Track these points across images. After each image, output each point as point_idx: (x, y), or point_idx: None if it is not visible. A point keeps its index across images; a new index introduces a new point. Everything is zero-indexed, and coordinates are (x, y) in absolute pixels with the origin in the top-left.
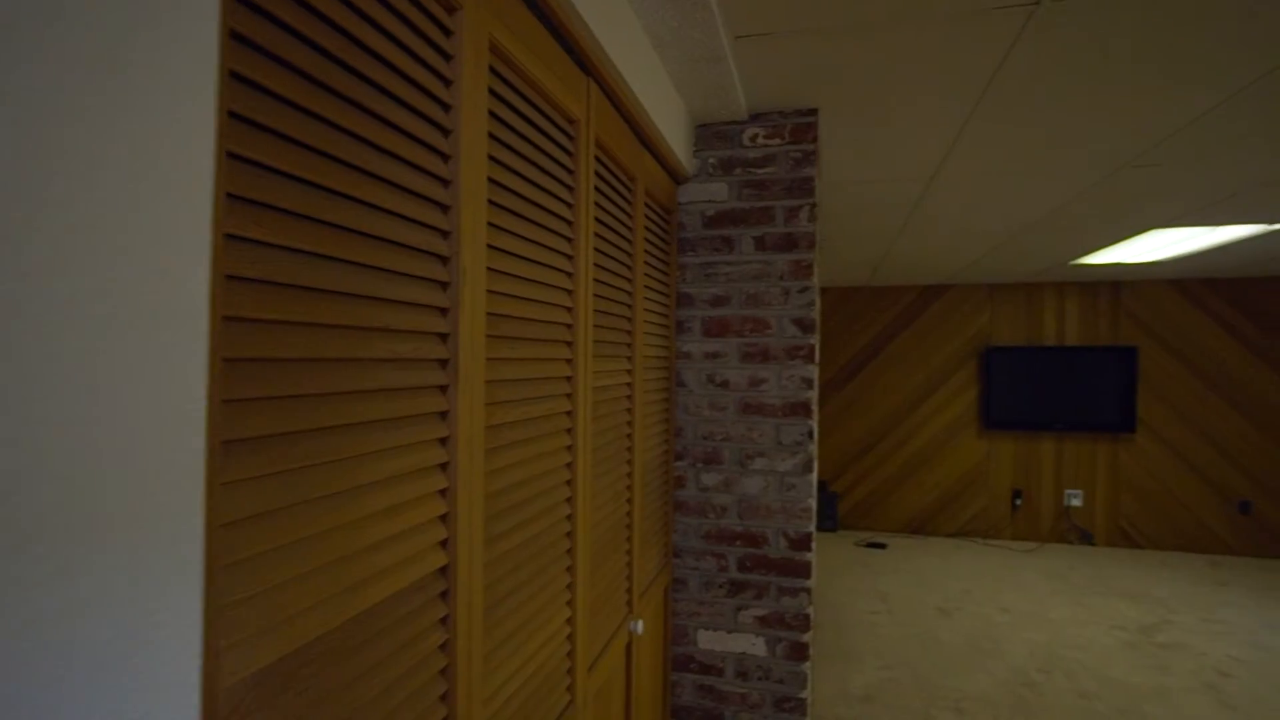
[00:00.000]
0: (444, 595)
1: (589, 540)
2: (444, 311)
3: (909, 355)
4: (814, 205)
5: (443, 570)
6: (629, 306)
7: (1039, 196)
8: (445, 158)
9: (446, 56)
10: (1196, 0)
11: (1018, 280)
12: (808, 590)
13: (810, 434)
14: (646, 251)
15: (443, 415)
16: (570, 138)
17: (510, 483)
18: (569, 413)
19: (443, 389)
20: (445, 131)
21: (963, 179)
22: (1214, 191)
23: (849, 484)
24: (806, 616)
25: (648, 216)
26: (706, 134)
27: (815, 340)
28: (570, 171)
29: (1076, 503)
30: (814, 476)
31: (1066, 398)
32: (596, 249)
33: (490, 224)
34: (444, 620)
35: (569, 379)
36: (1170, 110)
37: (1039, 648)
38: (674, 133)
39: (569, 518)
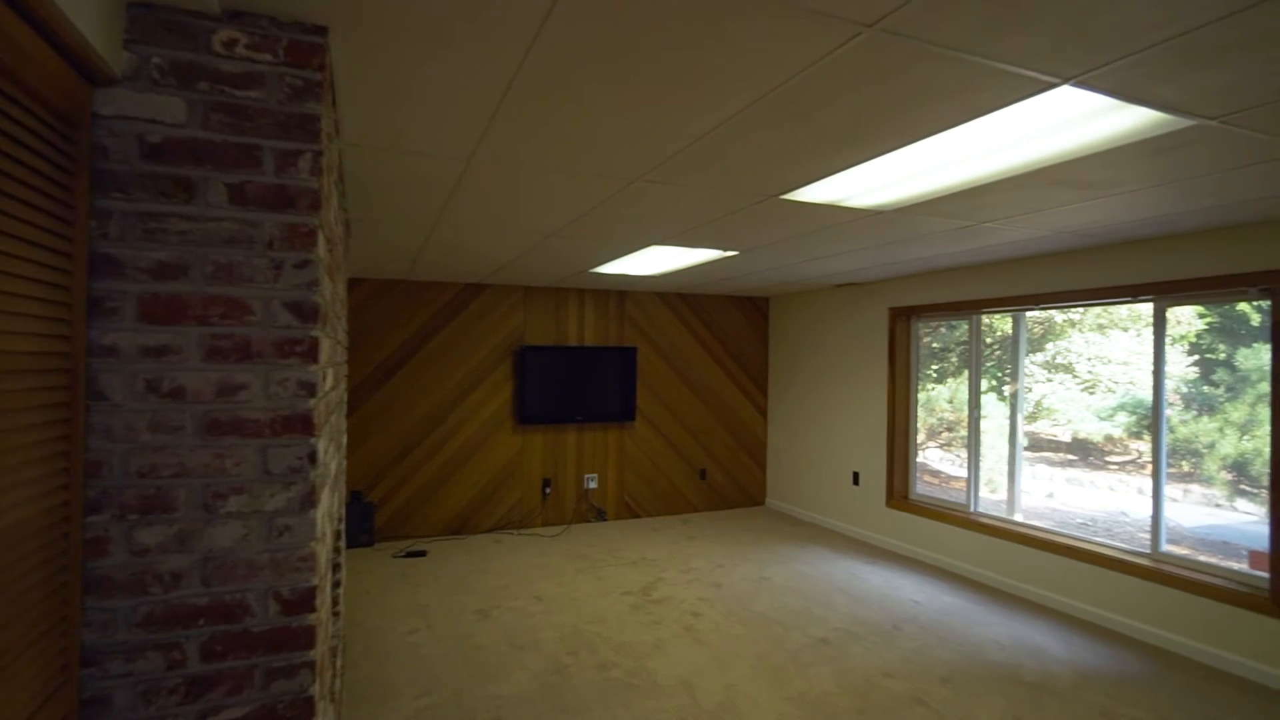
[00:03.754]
0: None
1: None
2: None
3: (449, 353)
4: (320, 153)
5: None
6: None
7: (570, 199)
8: None
9: None
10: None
11: (547, 284)
12: (311, 665)
13: (313, 456)
14: None
15: None
16: None
17: None
18: None
19: None
20: None
21: (501, 167)
22: (694, 217)
23: (387, 491)
24: (309, 701)
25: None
26: (151, 21)
27: (321, 332)
28: None
29: (593, 485)
30: (319, 512)
31: (585, 393)
32: None
33: None
34: None
35: None
36: (671, 134)
37: (568, 630)
38: None
39: None
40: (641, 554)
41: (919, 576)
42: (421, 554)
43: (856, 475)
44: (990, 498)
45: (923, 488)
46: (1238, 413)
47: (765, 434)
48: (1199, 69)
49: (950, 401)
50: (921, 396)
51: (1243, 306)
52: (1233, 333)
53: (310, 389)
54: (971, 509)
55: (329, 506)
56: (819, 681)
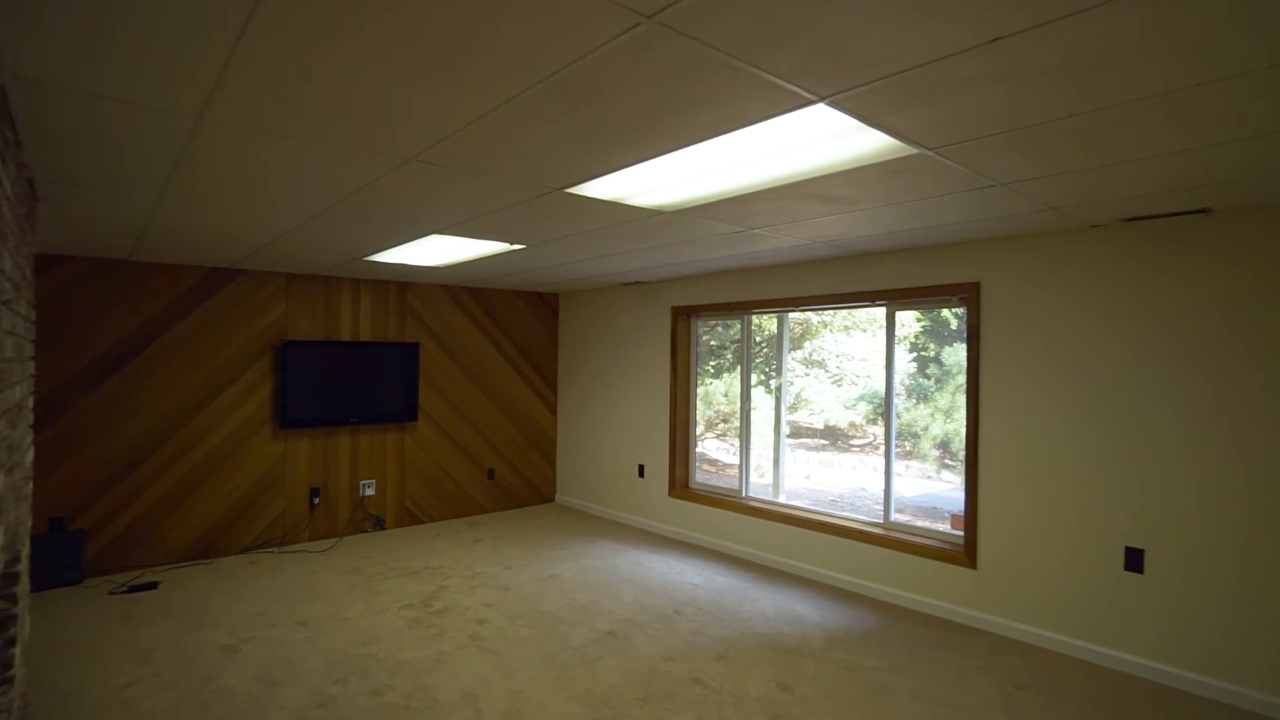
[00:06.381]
0: None
1: None
2: None
3: (190, 349)
4: None
5: None
6: None
7: (334, 176)
8: None
9: None
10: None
11: (316, 271)
12: None
13: None
14: None
15: None
16: None
17: None
18: None
19: None
20: None
21: (246, 130)
22: (477, 206)
23: (104, 515)
24: None
25: None
26: None
27: None
28: None
29: (370, 492)
30: None
31: (361, 392)
32: None
33: None
34: None
35: None
36: (445, 112)
37: (336, 656)
38: None
39: None
40: (424, 562)
41: (699, 561)
42: (151, 586)
43: (642, 468)
44: (759, 482)
45: (702, 476)
46: (943, 400)
47: (555, 430)
48: (917, 104)
49: (725, 395)
50: (700, 391)
51: (946, 312)
52: (940, 334)
53: None
54: (743, 494)
55: None
56: (605, 675)
